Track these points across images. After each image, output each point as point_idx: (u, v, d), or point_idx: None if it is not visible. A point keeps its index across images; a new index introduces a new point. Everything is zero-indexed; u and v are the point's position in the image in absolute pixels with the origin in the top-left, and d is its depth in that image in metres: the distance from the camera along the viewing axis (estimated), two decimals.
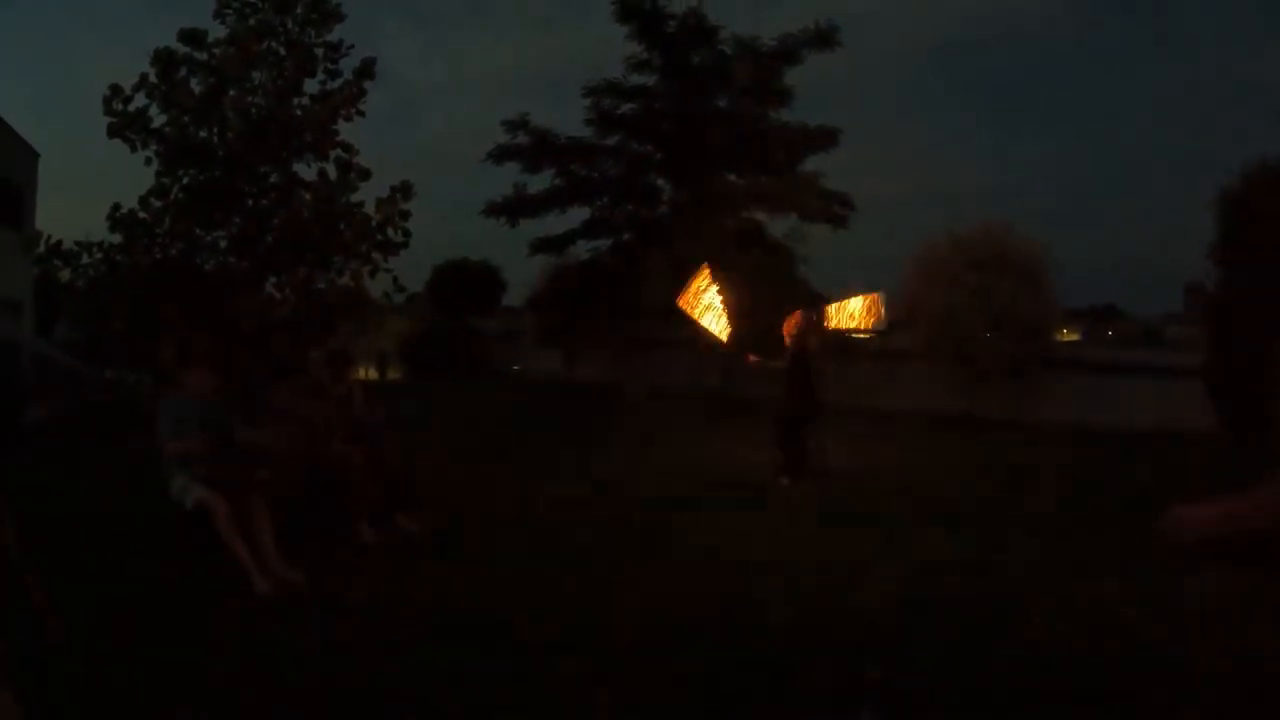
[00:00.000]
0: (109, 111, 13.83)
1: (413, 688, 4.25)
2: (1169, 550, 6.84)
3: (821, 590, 5.90)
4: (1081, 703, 4.28)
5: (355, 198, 14.87)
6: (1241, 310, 12.69)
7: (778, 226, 21.72)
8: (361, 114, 15.02)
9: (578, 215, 23.19)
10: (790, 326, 10.56)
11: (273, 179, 14.65)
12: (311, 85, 14.93)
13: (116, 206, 13.90)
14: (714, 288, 11.08)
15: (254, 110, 14.32)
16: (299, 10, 14.60)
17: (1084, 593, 5.97)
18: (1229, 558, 6.40)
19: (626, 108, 22.10)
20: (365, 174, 14.89)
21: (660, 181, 22.69)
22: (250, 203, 14.58)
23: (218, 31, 14.46)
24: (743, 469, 10.61)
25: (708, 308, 11.07)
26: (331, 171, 14.83)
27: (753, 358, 11.12)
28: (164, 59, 14.00)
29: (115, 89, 13.86)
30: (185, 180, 14.25)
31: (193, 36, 14.24)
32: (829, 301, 11.76)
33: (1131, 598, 5.83)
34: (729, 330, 11.12)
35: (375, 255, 14.87)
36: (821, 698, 4.24)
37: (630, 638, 4.90)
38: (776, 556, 6.81)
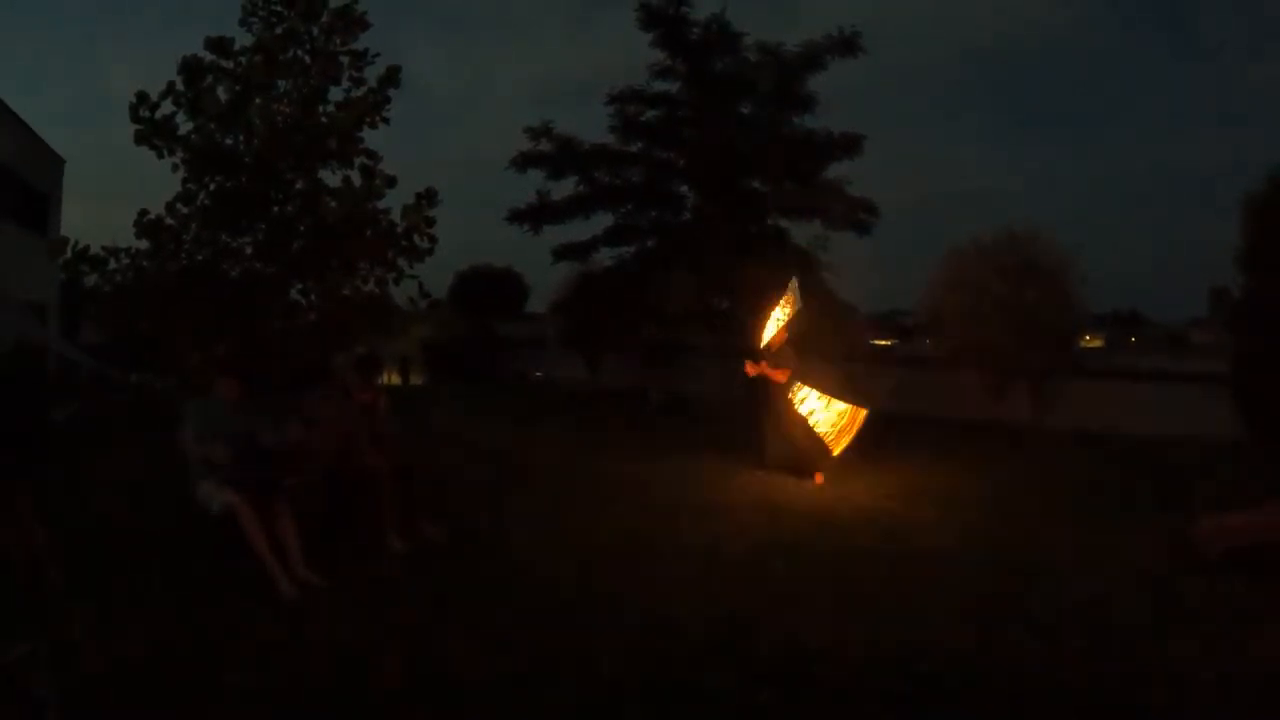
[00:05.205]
0: (135, 118, 13.88)
1: (440, 691, 4.25)
2: (1198, 560, 6.80)
3: (848, 598, 5.87)
4: (1108, 714, 4.24)
5: (381, 205, 14.91)
6: (1268, 316, 12.58)
7: (802, 233, 21.70)
8: (386, 121, 15.06)
9: (601, 222, 23.25)
10: (779, 338, 10.99)
11: (298, 185, 14.69)
12: (336, 93, 14.99)
13: (144, 212, 13.94)
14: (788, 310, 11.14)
15: (279, 117, 14.37)
16: (325, 18, 14.65)
17: (1110, 603, 5.91)
18: (1258, 568, 6.35)
19: (650, 115, 22.13)
20: (390, 181, 14.92)
21: (684, 188, 22.71)
22: (276, 209, 14.63)
23: (244, 39, 14.55)
24: (760, 478, 10.62)
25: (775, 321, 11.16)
26: (356, 178, 14.88)
27: (751, 368, 11.09)
28: (190, 67, 14.06)
29: (142, 96, 13.93)
30: (211, 187, 14.29)
31: (219, 44, 14.30)
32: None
33: (1159, 608, 5.76)
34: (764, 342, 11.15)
35: (400, 262, 14.89)
36: (847, 709, 4.22)
37: (657, 652, 4.86)
38: (802, 566, 6.77)
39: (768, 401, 10.90)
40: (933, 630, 5.24)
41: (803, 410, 10.57)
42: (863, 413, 10.50)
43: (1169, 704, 4.30)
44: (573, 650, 4.80)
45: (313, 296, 15.05)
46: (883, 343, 43.80)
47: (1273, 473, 10.22)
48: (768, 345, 11.03)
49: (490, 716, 4.07)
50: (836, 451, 10.46)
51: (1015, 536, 7.80)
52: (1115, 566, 6.84)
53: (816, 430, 10.47)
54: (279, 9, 14.52)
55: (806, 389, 10.62)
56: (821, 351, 11.36)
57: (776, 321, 11.14)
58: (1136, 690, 4.44)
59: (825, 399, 10.53)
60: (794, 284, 11.35)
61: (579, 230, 23.34)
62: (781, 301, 11.26)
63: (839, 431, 10.45)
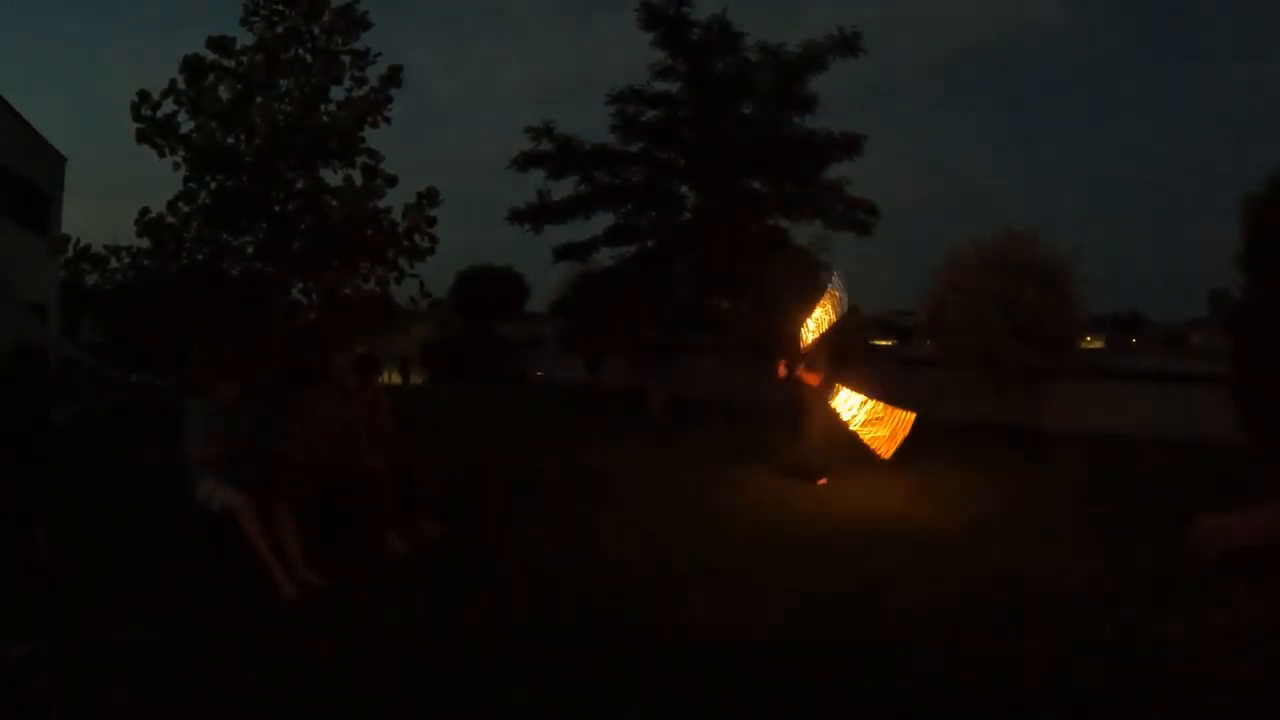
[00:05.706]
0: (137, 117, 13.89)
1: (440, 692, 4.25)
2: (1197, 562, 6.80)
3: (849, 602, 5.86)
4: (1107, 715, 4.24)
5: (381, 204, 14.92)
6: (1267, 318, 12.54)
7: (802, 233, 21.69)
8: (387, 121, 15.07)
9: (601, 222, 23.23)
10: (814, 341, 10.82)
11: (299, 185, 14.70)
12: (337, 92, 14.99)
13: (145, 211, 13.96)
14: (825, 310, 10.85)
15: (281, 117, 14.37)
16: (326, 18, 14.66)
17: (1111, 605, 5.90)
18: (1258, 568, 6.35)
19: (650, 114, 22.10)
20: (391, 180, 14.93)
21: (684, 188, 22.70)
22: (277, 208, 14.63)
23: (246, 39, 14.56)
24: (762, 482, 10.62)
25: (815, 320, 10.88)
26: (357, 178, 14.88)
27: (783, 369, 11.02)
28: (192, 66, 14.07)
29: (143, 95, 13.94)
30: (213, 186, 14.31)
31: (221, 44, 14.31)
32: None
33: (1159, 611, 5.76)
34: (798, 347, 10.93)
35: (401, 261, 14.90)
36: (847, 708, 4.22)
37: (657, 655, 4.85)
38: (800, 569, 6.77)
39: (798, 405, 10.85)
40: (929, 630, 5.25)
41: (844, 414, 10.40)
42: (910, 416, 10.23)
43: (1169, 705, 4.30)
44: (573, 650, 4.80)
45: (313, 296, 15.06)
46: (883, 343, 43.87)
47: (1273, 473, 10.21)
48: (805, 348, 10.84)
49: (491, 716, 4.07)
50: (887, 453, 10.22)
51: (1014, 539, 7.80)
52: (1115, 567, 6.84)
53: (860, 433, 10.32)
54: (280, 8, 14.53)
55: (847, 391, 10.47)
56: (844, 354, 11.20)
57: (816, 322, 10.85)
58: (1136, 691, 4.44)
59: (866, 401, 10.38)
60: (837, 281, 11.00)
61: (579, 230, 23.34)
62: (822, 302, 10.92)
63: (891, 433, 10.20)
